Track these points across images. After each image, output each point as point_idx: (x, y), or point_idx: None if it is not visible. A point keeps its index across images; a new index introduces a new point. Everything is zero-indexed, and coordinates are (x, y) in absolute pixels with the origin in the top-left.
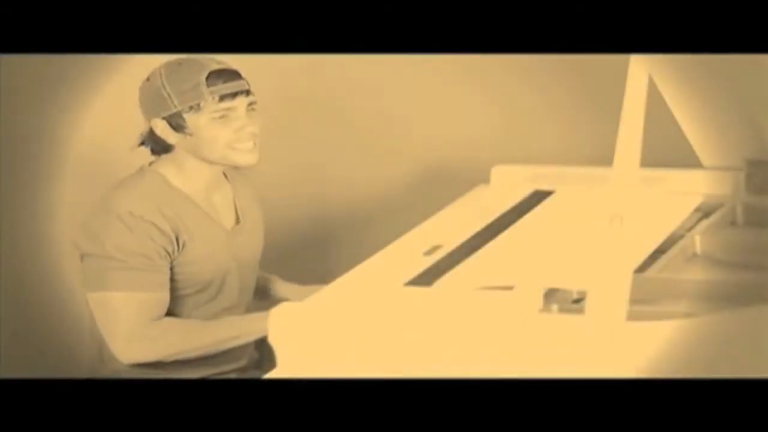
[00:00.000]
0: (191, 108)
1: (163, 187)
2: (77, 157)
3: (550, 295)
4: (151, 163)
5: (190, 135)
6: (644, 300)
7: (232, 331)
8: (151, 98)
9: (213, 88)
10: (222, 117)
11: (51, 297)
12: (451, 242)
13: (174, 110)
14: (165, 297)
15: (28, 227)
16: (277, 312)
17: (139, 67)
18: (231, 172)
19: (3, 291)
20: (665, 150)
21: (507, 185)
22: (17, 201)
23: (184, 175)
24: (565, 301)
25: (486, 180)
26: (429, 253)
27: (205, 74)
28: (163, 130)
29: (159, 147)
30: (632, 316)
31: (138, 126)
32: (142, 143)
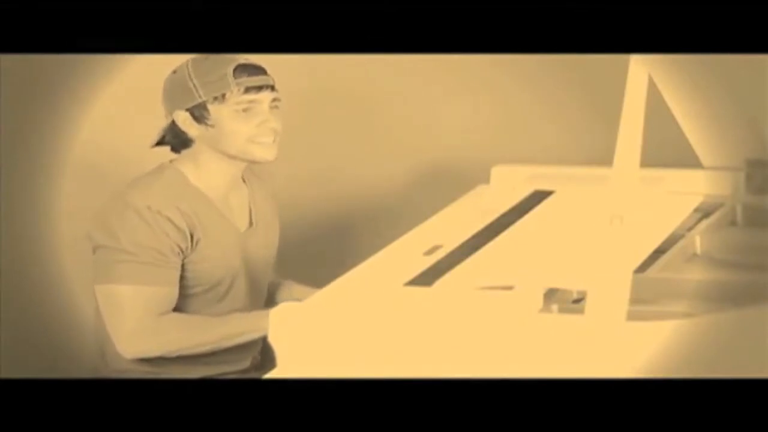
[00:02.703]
0: (215, 99)
1: (182, 183)
2: (77, 158)
3: (550, 295)
4: (171, 161)
5: (212, 126)
6: (644, 300)
7: (235, 328)
8: (177, 90)
9: (239, 80)
10: (245, 110)
11: (51, 297)
12: (451, 242)
13: (199, 101)
14: (173, 293)
15: (28, 227)
16: (276, 312)
17: (140, 67)
18: (248, 175)
19: (3, 291)
20: (665, 150)
21: (507, 185)
22: (17, 201)
23: (202, 173)
24: (565, 301)
25: (486, 180)
26: (429, 253)
27: (233, 66)
28: (184, 121)
29: (178, 142)
30: (632, 316)
31: (139, 126)
32: (162, 139)
